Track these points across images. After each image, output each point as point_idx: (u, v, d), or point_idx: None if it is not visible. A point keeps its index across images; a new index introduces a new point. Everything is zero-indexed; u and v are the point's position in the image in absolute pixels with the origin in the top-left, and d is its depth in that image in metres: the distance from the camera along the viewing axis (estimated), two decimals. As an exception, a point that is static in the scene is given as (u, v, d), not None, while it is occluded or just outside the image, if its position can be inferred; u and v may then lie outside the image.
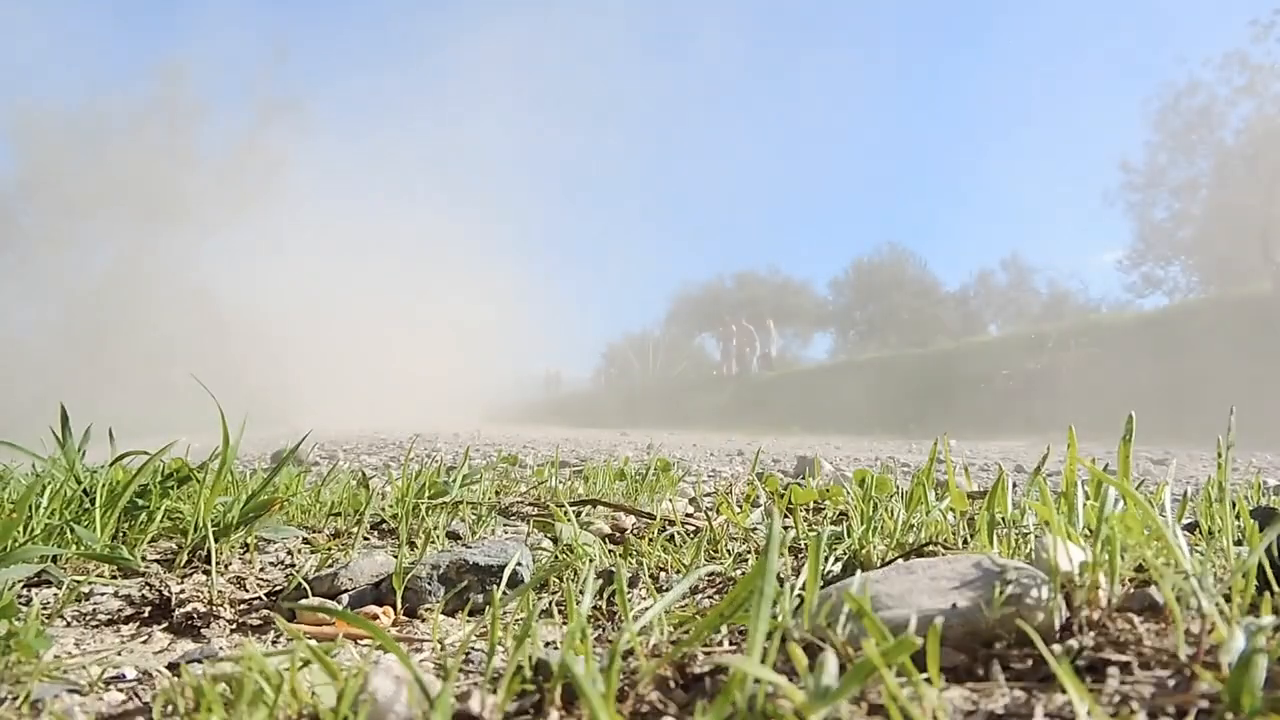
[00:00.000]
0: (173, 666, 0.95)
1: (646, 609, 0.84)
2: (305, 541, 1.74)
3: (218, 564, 1.43)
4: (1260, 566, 0.84)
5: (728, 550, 1.54)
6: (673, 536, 1.66)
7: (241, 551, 1.56)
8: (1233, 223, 21.32)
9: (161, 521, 1.56)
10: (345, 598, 1.26)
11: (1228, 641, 0.69)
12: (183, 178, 34.43)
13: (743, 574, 1.13)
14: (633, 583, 1.33)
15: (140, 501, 1.55)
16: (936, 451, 1.42)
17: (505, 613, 1.15)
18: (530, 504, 2.36)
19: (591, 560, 1.43)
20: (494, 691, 0.74)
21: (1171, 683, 0.68)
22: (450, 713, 0.63)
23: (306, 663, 0.78)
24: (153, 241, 34.16)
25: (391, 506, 2.02)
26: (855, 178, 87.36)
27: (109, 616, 1.18)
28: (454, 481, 2.24)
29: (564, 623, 1.13)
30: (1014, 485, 1.23)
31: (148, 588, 1.23)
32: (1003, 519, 1.19)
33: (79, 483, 1.56)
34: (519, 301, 43.91)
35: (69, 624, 1.15)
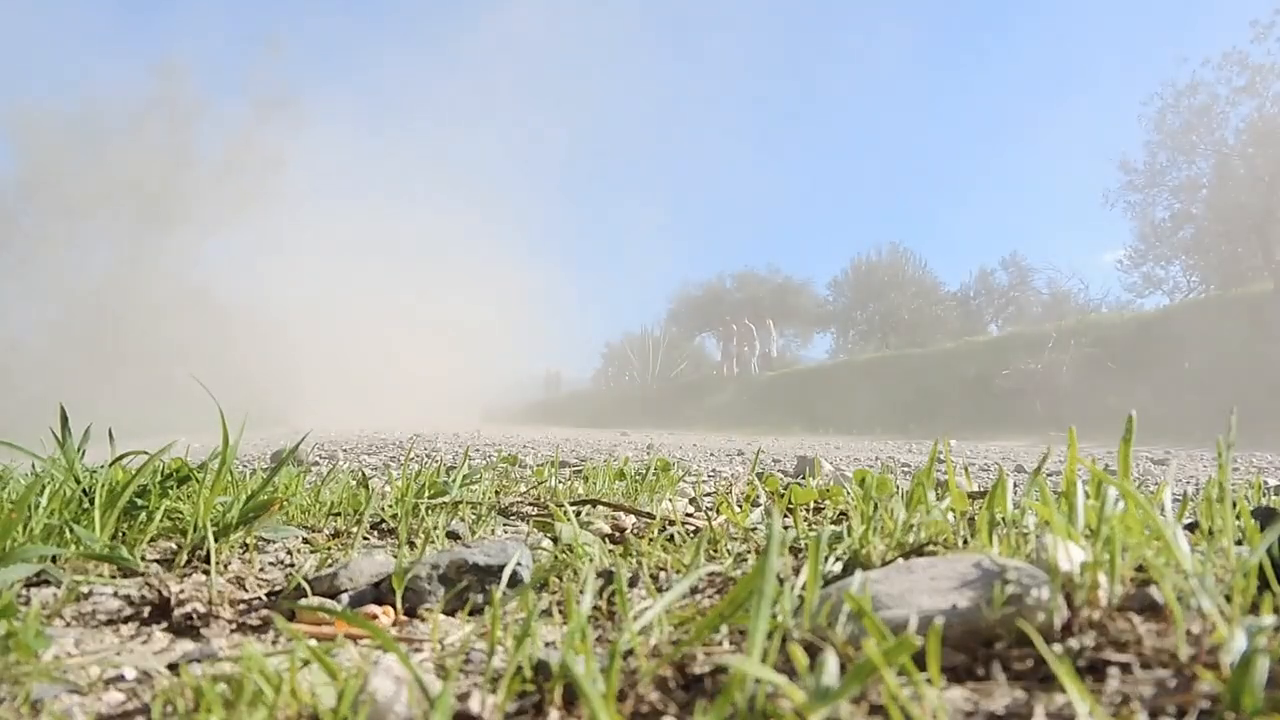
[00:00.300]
0: (172, 667, 0.95)
1: (646, 609, 0.84)
2: (305, 541, 1.74)
3: (217, 564, 1.43)
4: (1260, 566, 0.83)
5: (728, 550, 1.54)
6: (672, 536, 1.66)
7: (241, 551, 1.56)
8: (1233, 223, 21.31)
9: (161, 521, 1.56)
10: (345, 598, 1.25)
11: (1228, 641, 0.69)
12: (182, 177, 34.46)
13: (743, 574, 1.13)
14: (632, 583, 1.33)
15: (140, 501, 1.55)
16: (936, 451, 1.42)
17: (505, 613, 1.15)
18: (530, 504, 2.36)
19: (591, 560, 1.42)
20: (494, 691, 0.73)
21: (1172, 683, 0.68)
22: (450, 713, 0.63)
23: (306, 663, 0.78)
24: (153, 241, 34.18)
25: (391, 506, 2.02)
26: (855, 177, 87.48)
27: (108, 616, 1.18)
28: (454, 481, 2.24)
29: (564, 623, 1.13)
30: (1014, 485, 1.22)
31: (147, 588, 1.23)
32: (1003, 519, 1.19)
33: (78, 483, 1.56)
34: (519, 301, 43.98)
35: (68, 624, 1.15)
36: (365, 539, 1.84)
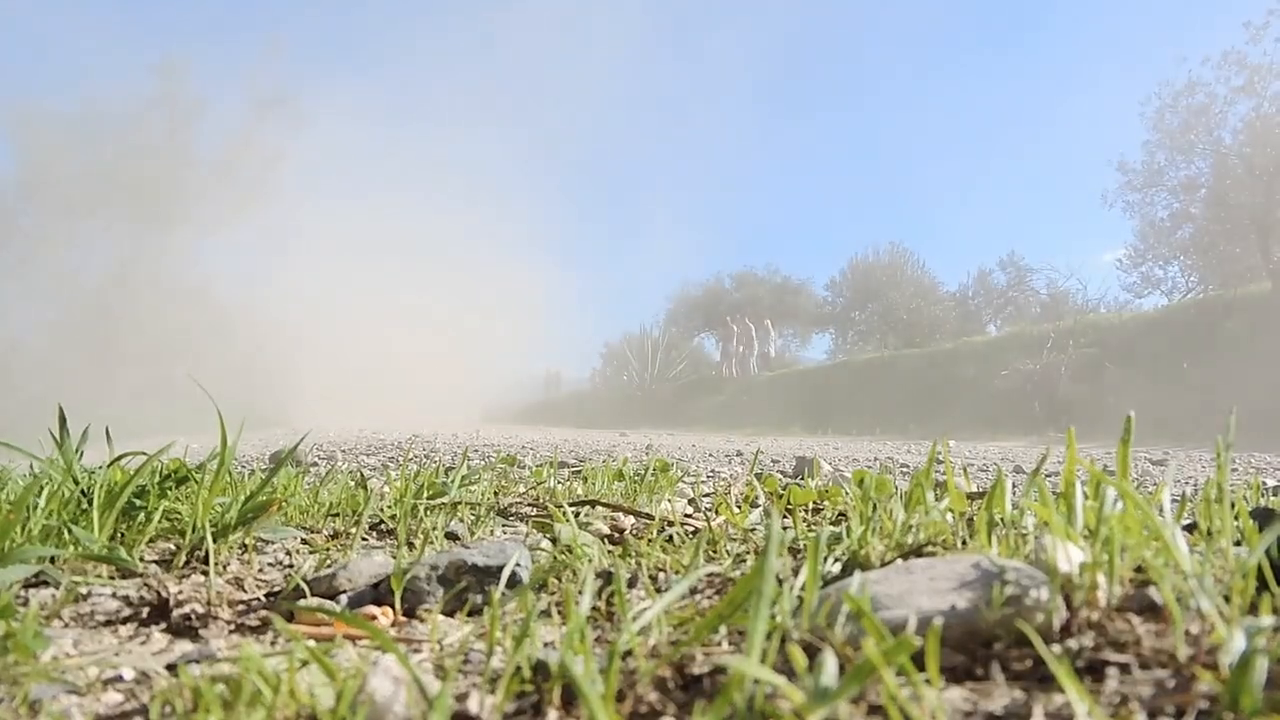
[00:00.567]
0: (171, 667, 0.95)
1: (645, 609, 0.84)
2: (304, 542, 1.74)
3: (216, 565, 1.43)
4: (1259, 567, 0.83)
5: (727, 551, 1.54)
6: (671, 537, 1.66)
7: (240, 552, 1.56)
8: (1232, 223, 21.31)
9: (159, 522, 1.56)
10: (344, 598, 1.25)
11: (1227, 642, 0.69)
12: (182, 176, 34.45)
13: (742, 575, 1.13)
14: (631, 583, 1.33)
15: (138, 502, 1.55)
16: (935, 452, 1.42)
17: (504, 613, 1.15)
18: (529, 504, 2.36)
19: (590, 561, 1.42)
20: (492, 692, 0.73)
21: (1171, 683, 0.68)
22: (449, 713, 0.63)
23: (305, 663, 0.78)
24: (153, 241, 34.19)
25: (390, 507, 2.01)
26: (854, 177, 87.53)
27: (107, 617, 1.17)
28: (453, 482, 2.24)
29: (563, 623, 1.13)
30: (1013, 486, 1.22)
31: (146, 588, 1.23)
32: (1002, 519, 1.19)
33: (77, 483, 1.55)
34: (519, 301, 43.98)
35: (67, 625, 1.14)
36: (364, 540, 1.84)
